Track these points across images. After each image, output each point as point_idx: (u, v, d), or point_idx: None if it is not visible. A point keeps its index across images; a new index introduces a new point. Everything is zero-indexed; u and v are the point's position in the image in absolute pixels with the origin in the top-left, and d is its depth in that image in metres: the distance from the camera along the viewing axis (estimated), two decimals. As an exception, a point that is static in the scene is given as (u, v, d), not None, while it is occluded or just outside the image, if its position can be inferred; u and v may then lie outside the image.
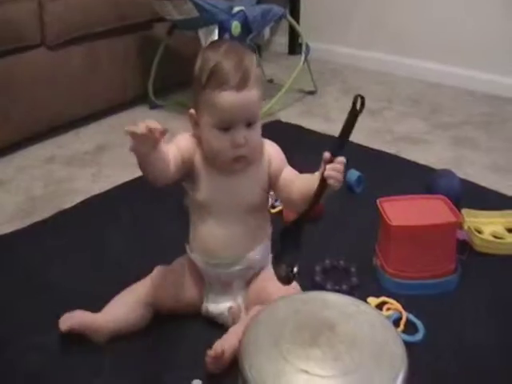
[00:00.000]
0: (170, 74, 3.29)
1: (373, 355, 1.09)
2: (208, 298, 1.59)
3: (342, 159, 1.31)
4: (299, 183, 1.45)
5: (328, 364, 1.07)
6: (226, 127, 1.40)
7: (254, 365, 1.07)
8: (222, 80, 1.36)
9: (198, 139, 1.49)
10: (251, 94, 1.40)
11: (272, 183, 1.52)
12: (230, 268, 1.54)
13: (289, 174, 1.51)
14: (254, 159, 1.48)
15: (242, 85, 1.37)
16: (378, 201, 1.79)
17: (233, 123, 1.40)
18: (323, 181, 1.29)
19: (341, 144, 1.30)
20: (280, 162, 1.52)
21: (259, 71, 1.48)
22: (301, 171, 1.51)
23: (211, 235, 1.52)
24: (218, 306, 1.57)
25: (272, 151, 1.53)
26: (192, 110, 1.47)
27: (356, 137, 2.40)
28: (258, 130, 1.46)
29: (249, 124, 1.42)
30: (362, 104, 1.26)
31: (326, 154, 1.30)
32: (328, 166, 1.29)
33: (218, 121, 1.40)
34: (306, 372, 1.05)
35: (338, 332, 1.15)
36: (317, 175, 1.34)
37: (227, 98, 1.37)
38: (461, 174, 2.27)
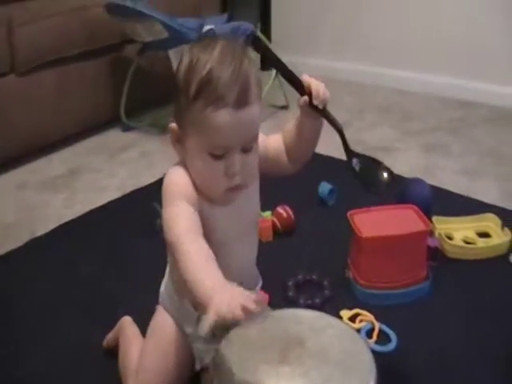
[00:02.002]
0: (142, 95, 3.29)
1: (341, 369, 1.09)
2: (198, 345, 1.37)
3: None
4: (286, 136, 1.35)
5: (296, 380, 1.06)
6: (219, 153, 1.15)
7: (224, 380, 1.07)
8: (217, 94, 1.10)
9: (181, 158, 1.25)
10: (252, 110, 1.14)
11: (267, 168, 1.33)
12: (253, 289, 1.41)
13: (271, 141, 1.36)
14: (251, 182, 1.27)
15: (241, 100, 1.12)
16: (348, 213, 1.80)
17: (228, 148, 1.15)
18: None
19: None
20: (263, 148, 1.30)
21: (259, 77, 1.19)
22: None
23: (233, 267, 1.25)
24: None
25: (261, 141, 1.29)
26: (173, 125, 1.21)
27: (327, 149, 2.42)
28: (255, 154, 1.22)
29: (246, 148, 1.18)
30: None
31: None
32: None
33: (211, 145, 1.14)
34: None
35: (307, 347, 1.14)
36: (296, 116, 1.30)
37: (223, 118, 1.11)
38: (432, 181, 2.30)
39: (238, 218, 1.29)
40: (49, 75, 2.92)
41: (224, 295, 1.03)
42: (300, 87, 1.24)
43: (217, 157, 1.15)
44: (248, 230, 1.34)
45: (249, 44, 1.23)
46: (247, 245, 1.37)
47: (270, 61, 1.24)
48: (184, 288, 1.18)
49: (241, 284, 1.25)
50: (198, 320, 1.32)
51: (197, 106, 1.11)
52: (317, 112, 1.26)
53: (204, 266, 1.10)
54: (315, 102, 1.24)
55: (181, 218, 1.16)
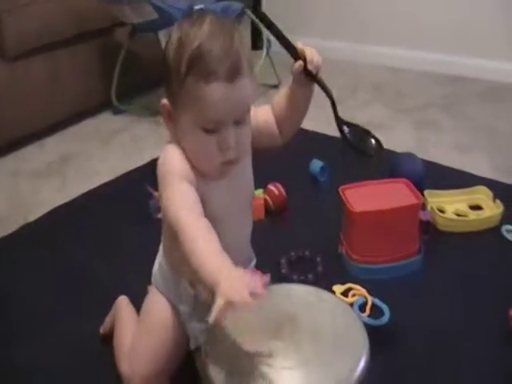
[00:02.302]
0: (133, 78, 3.28)
1: (334, 343, 1.10)
2: (192, 324, 1.38)
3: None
4: (276, 107, 1.33)
5: (289, 355, 1.07)
6: (212, 127, 1.13)
7: (216, 362, 1.07)
8: (208, 68, 1.08)
9: (173, 135, 1.23)
10: (244, 83, 1.12)
11: (257, 141, 1.30)
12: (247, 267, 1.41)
13: (260, 113, 1.33)
14: (245, 156, 1.25)
15: (233, 73, 1.10)
16: (339, 188, 1.80)
17: (221, 122, 1.13)
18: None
19: None
20: (254, 121, 1.26)
21: (249, 50, 1.20)
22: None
23: (228, 244, 1.16)
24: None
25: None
26: (165, 101, 1.19)
27: (319, 127, 2.42)
28: (248, 127, 1.20)
29: (239, 121, 1.16)
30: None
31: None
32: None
33: (204, 120, 1.13)
34: (268, 364, 1.05)
35: (299, 323, 1.15)
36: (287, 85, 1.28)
37: (216, 91, 1.09)
38: (424, 156, 2.30)
39: (233, 194, 1.28)
40: (39, 61, 2.90)
41: (231, 280, 1.02)
42: (294, 53, 1.23)
43: (210, 131, 1.13)
44: (242, 207, 1.34)
45: (239, 23, 1.23)
46: (242, 222, 1.36)
47: (266, 23, 1.23)
48: (182, 268, 1.22)
49: (236, 262, 1.28)
50: (196, 298, 1.33)
51: (188, 82, 1.10)
52: (310, 78, 1.25)
53: (209, 248, 1.09)
54: (309, 67, 1.23)
55: (181, 198, 1.15)
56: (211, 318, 0.98)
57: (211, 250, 1.08)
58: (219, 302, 0.98)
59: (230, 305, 0.98)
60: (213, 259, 1.07)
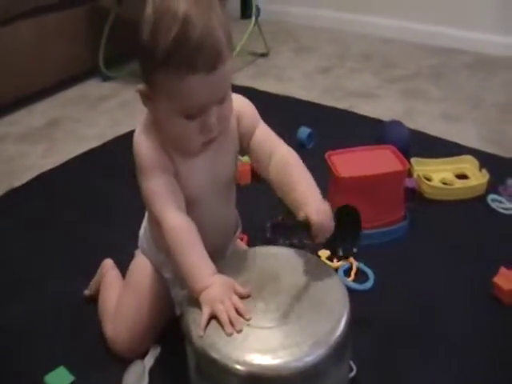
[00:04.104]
0: (121, 44, 3.20)
1: (315, 305, 1.10)
2: (176, 290, 1.40)
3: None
4: (280, 168, 1.23)
5: (269, 315, 1.08)
6: (194, 113, 1.09)
7: (198, 320, 1.07)
8: (187, 62, 1.02)
9: (154, 116, 1.19)
10: (224, 69, 1.07)
11: (243, 145, 1.29)
12: (223, 252, 1.40)
13: (262, 137, 1.27)
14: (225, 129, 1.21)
15: (213, 63, 1.04)
16: (326, 154, 1.80)
17: (203, 107, 1.09)
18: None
19: None
20: (252, 118, 1.27)
21: (228, 27, 1.09)
22: None
23: (205, 226, 1.22)
24: None
25: (241, 106, 1.25)
26: (140, 86, 1.14)
27: (307, 95, 2.42)
28: (230, 101, 1.16)
29: (221, 101, 1.12)
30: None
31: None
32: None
33: (184, 108, 1.09)
34: (248, 325, 1.06)
35: (281, 284, 1.15)
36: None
37: (196, 83, 1.04)
38: (412, 125, 2.30)
39: (213, 168, 1.26)
40: (26, 26, 2.87)
41: (214, 289, 1.09)
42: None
43: (191, 117, 1.10)
44: (222, 184, 1.30)
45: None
46: (222, 200, 1.33)
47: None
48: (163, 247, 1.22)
49: (220, 236, 1.33)
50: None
51: (167, 69, 1.04)
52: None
53: (189, 248, 1.14)
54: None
55: (160, 193, 1.17)
56: (199, 328, 1.05)
57: (195, 259, 1.14)
58: (205, 314, 1.06)
59: (214, 316, 1.06)
60: (195, 262, 1.13)
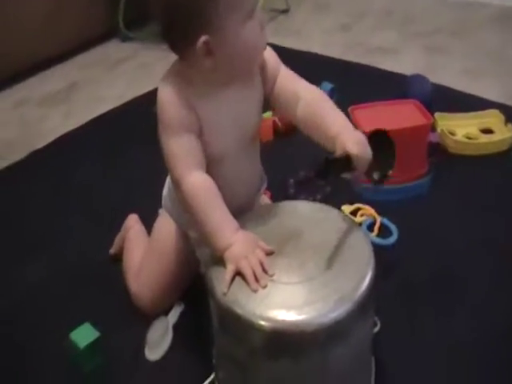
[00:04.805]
0: (141, 4, 3.20)
1: (339, 260, 1.09)
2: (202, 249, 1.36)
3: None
4: (309, 106, 1.20)
5: (293, 271, 1.07)
6: (252, 8, 1.09)
7: (220, 276, 1.07)
8: None
9: (209, 70, 1.13)
10: None
11: (267, 90, 1.26)
12: (249, 208, 1.34)
13: (286, 79, 1.25)
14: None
15: None
16: (349, 108, 1.78)
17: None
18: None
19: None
20: (273, 62, 1.25)
21: None
22: None
23: (231, 183, 1.25)
24: None
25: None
26: (205, 37, 1.07)
27: (328, 51, 2.38)
28: None
29: None
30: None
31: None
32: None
33: (249, 4, 1.09)
34: (272, 280, 1.05)
35: (304, 239, 1.14)
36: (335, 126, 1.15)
37: None
38: (434, 81, 2.26)
39: (236, 120, 1.22)
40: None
41: (238, 246, 1.08)
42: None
43: (251, 15, 1.09)
44: (247, 137, 1.27)
45: None
46: (247, 155, 1.30)
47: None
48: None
49: (245, 192, 1.31)
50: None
51: None
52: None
53: (211, 207, 1.13)
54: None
55: (180, 155, 1.15)
56: (223, 285, 1.04)
57: (216, 218, 1.13)
58: (229, 270, 1.06)
59: (238, 272, 1.05)
60: (219, 226, 1.12)
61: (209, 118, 1.18)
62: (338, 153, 1.10)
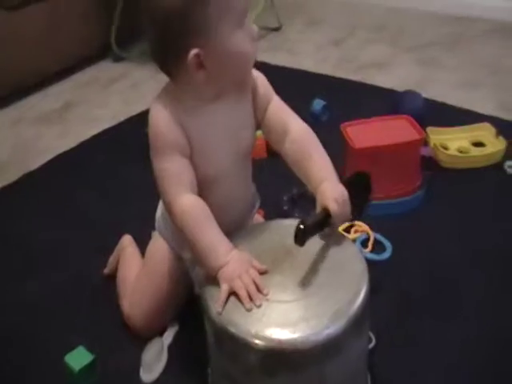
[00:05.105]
0: (133, 24, 3.22)
1: (333, 276, 1.10)
2: (196, 270, 1.36)
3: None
4: (295, 147, 1.22)
5: (287, 289, 1.07)
6: (244, 18, 1.11)
7: (215, 296, 1.07)
8: None
9: (200, 83, 1.13)
10: None
11: (258, 118, 1.26)
12: (242, 223, 1.36)
13: (276, 110, 1.26)
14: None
15: None
16: (341, 125, 1.79)
17: (247, 9, 1.12)
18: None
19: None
20: (265, 90, 1.25)
21: None
22: None
23: (224, 204, 1.26)
24: None
25: (254, 78, 1.24)
26: (195, 50, 1.08)
27: (321, 66, 2.39)
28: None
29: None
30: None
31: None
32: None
33: (238, 14, 1.09)
34: (266, 299, 1.05)
35: (298, 257, 1.14)
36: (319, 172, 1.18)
37: None
38: (428, 94, 2.28)
39: (230, 141, 1.23)
40: (37, 9, 2.85)
41: (232, 265, 1.09)
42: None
43: (242, 24, 1.10)
44: (240, 158, 1.27)
45: None
46: (240, 176, 1.32)
47: None
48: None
49: (238, 211, 1.32)
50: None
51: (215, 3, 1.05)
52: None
53: (203, 228, 1.14)
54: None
55: (171, 177, 1.16)
56: (217, 305, 1.04)
57: (209, 238, 1.13)
58: (223, 290, 1.06)
59: (232, 291, 1.06)
60: (212, 247, 1.12)
61: (201, 137, 1.18)
62: (318, 209, 1.13)
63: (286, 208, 1.74)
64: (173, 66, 1.14)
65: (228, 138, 1.23)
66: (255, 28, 1.14)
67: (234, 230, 1.22)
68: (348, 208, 1.14)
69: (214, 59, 1.11)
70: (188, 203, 1.15)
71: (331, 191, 1.13)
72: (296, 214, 1.70)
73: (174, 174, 1.16)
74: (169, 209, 1.17)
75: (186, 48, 1.09)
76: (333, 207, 1.11)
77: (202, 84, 1.14)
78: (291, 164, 1.24)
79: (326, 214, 1.11)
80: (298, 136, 1.23)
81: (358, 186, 1.23)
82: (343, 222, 1.15)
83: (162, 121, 1.16)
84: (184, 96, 1.17)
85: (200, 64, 1.10)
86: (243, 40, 1.11)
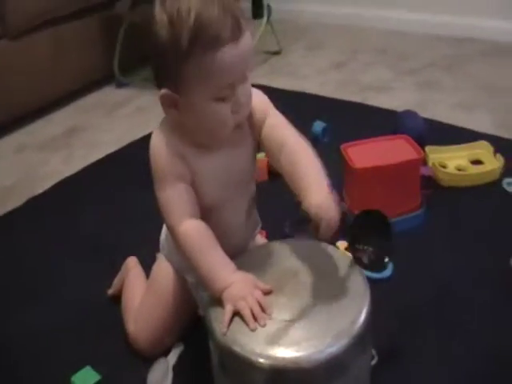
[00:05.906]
0: (135, 51, 3.24)
1: (335, 295, 1.11)
2: (200, 292, 1.38)
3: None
4: (289, 159, 1.19)
5: (291, 309, 1.09)
6: (227, 94, 1.09)
7: (219, 317, 1.09)
8: (213, 36, 1.02)
9: (175, 121, 1.18)
10: (247, 37, 1.08)
11: (256, 134, 1.26)
12: (244, 250, 1.35)
13: (273, 124, 1.24)
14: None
15: (236, 31, 1.05)
16: (341, 146, 1.82)
17: (234, 84, 1.09)
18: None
19: None
20: (262, 105, 1.24)
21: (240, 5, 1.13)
22: None
23: (226, 229, 1.28)
24: None
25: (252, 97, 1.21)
26: (164, 90, 1.11)
27: (322, 90, 2.41)
28: (249, 81, 1.15)
29: (245, 76, 1.12)
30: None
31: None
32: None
33: (218, 87, 1.08)
34: (270, 319, 1.07)
35: (301, 277, 1.16)
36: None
37: (226, 55, 1.04)
38: (427, 115, 2.31)
39: (229, 168, 1.24)
40: (41, 37, 2.90)
41: (236, 286, 1.10)
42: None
43: (223, 99, 1.09)
44: (241, 184, 1.29)
45: None
46: (242, 201, 1.33)
47: None
48: None
49: (239, 236, 1.33)
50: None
51: (194, 56, 1.04)
52: None
53: (206, 251, 1.16)
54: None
55: (173, 204, 1.18)
56: (222, 326, 1.06)
57: (213, 261, 1.15)
58: (227, 311, 1.07)
59: (237, 311, 1.07)
60: (216, 269, 1.14)
61: (201, 167, 1.20)
62: (301, 211, 1.11)
63: (287, 230, 1.76)
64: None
65: (228, 169, 1.24)
66: (243, 99, 1.12)
67: (236, 253, 1.24)
68: (333, 213, 1.09)
69: (186, 109, 1.13)
70: (191, 227, 1.17)
71: (314, 198, 1.09)
72: (298, 236, 1.71)
73: (176, 199, 1.18)
74: (172, 234, 1.20)
75: (162, 83, 1.12)
76: (312, 210, 1.08)
77: (178, 123, 1.17)
78: (285, 177, 1.20)
79: (307, 217, 1.09)
80: (293, 150, 1.20)
81: (374, 224, 1.18)
82: (331, 228, 1.09)
83: (161, 148, 1.18)
84: (184, 127, 1.18)
85: (173, 103, 1.13)
86: (221, 111, 1.11)
